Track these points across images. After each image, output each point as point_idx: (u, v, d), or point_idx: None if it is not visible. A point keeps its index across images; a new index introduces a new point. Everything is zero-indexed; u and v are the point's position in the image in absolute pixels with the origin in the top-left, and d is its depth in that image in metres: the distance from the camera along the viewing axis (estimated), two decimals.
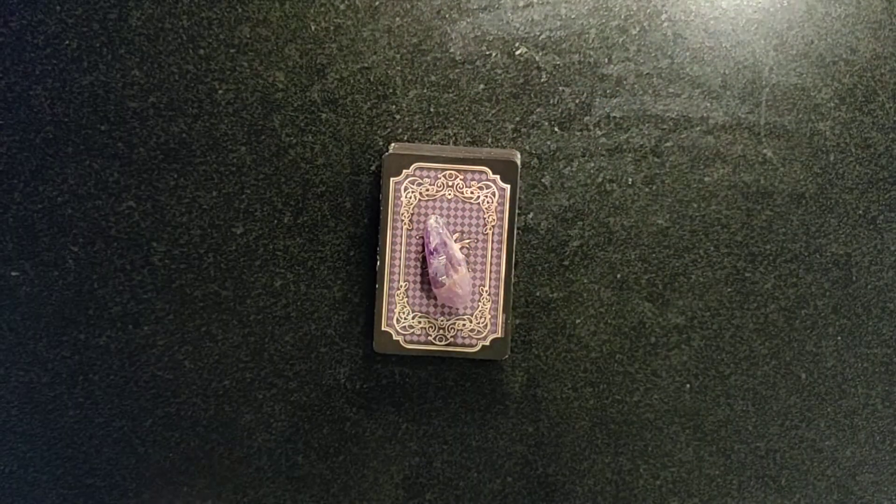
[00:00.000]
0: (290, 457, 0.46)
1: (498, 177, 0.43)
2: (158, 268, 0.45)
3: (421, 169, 0.43)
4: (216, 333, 0.45)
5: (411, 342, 0.44)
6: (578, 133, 0.45)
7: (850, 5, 0.46)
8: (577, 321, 0.46)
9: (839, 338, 0.47)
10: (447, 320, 0.44)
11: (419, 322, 0.44)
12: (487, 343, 0.44)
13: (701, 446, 0.47)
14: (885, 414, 0.47)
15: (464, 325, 0.44)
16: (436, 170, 0.43)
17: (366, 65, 0.45)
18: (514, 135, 0.45)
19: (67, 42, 0.44)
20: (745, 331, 0.47)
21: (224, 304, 0.45)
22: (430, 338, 0.44)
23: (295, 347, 0.46)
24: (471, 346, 0.44)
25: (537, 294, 0.46)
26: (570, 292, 0.46)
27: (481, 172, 0.43)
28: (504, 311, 0.43)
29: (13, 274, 0.45)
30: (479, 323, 0.44)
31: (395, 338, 0.44)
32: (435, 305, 0.43)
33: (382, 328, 0.44)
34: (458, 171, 0.43)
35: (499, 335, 0.44)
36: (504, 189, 0.43)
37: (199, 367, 0.46)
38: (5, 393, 0.46)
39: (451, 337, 0.44)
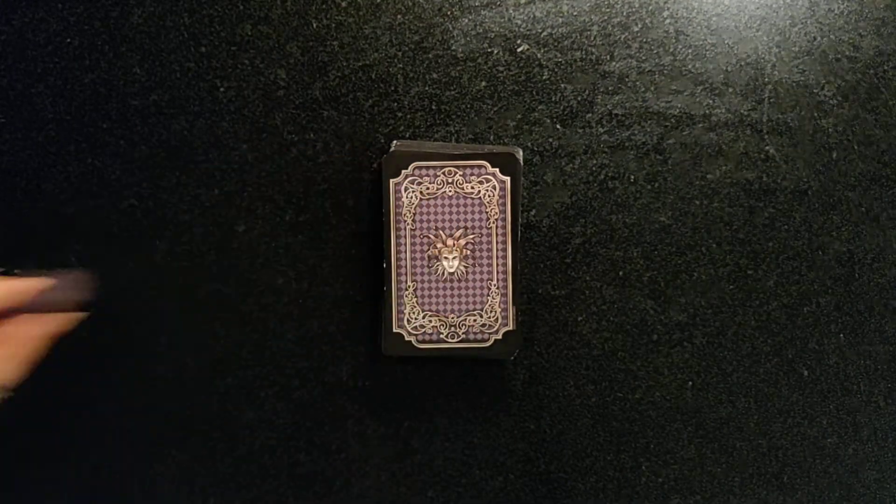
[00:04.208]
0: (293, 454, 0.46)
1: (497, 170, 0.43)
2: (160, 265, 0.45)
3: (420, 168, 0.43)
4: (218, 331, 0.46)
5: (423, 342, 0.44)
6: (580, 130, 0.45)
7: (853, 2, 0.46)
8: (579, 318, 0.46)
9: (841, 335, 0.47)
10: (458, 317, 0.44)
11: (430, 321, 0.44)
12: (500, 336, 0.44)
13: (703, 444, 0.47)
14: (887, 411, 0.47)
15: (475, 320, 0.44)
16: (435, 168, 0.43)
17: (367, 62, 0.45)
18: (516, 132, 0.45)
19: (69, 40, 0.44)
20: (748, 328, 0.47)
21: (226, 301, 0.45)
22: (441, 336, 0.44)
23: (297, 345, 0.46)
24: (483, 340, 0.44)
25: (539, 291, 0.46)
26: (572, 290, 0.46)
27: (480, 167, 0.43)
28: (514, 302, 0.43)
29: (16, 272, 0.45)
30: (489, 317, 0.44)
31: (407, 339, 0.44)
32: (445, 302, 0.43)
33: (394, 330, 0.44)
34: (457, 167, 0.43)
35: (510, 328, 0.44)
36: (504, 181, 0.43)
37: (202, 365, 0.46)
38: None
39: (464, 333, 0.44)
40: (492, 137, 0.45)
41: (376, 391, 0.46)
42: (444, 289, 0.44)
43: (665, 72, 0.45)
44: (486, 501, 0.47)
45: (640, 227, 0.46)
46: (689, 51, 0.45)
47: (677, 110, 0.45)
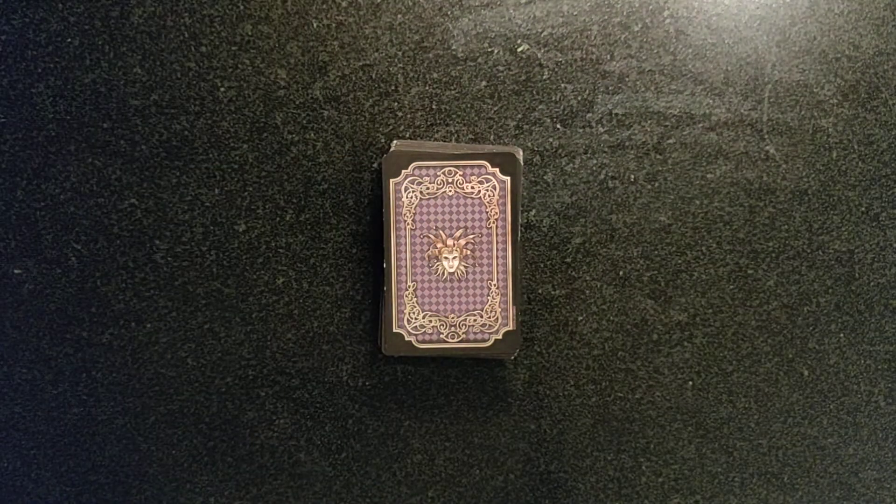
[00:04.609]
0: (293, 454, 0.46)
1: (497, 169, 0.43)
2: (161, 265, 0.45)
3: (420, 168, 0.43)
4: (219, 331, 0.46)
5: (424, 341, 0.44)
6: (581, 130, 0.45)
7: (854, 2, 0.46)
8: (580, 318, 0.46)
9: (842, 335, 0.47)
10: (458, 317, 0.44)
11: (430, 321, 0.44)
12: (500, 336, 0.44)
13: (703, 443, 0.47)
14: (887, 411, 0.47)
15: (475, 320, 0.44)
16: (435, 167, 0.43)
17: (368, 62, 0.45)
18: (517, 132, 0.45)
19: (69, 40, 0.44)
20: (748, 328, 0.47)
21: (226, 301, 0.45)
22: (441, 336, 0.44)
23: (297, 345, 0.46)
24: (483, 340, 0.44)
25: (539, 291, 0.46)
26: (572, 289, 0.46)
27: (480, 166, 0.43)
28: (514, 302, 0.43)
29: (16, 272, 0.45)
30: (490, 317, 0.44)
31: (407, 339, 0.44)
32: (445, 302, 0.43)
33: (394, 330, 0.44)
34: (457, 167, 0.43)
35: (510, 328, 0.44)
36: (504, 181, 0.43)
37: (202, 365, 0.46)
38: (9, 390, 0.46)
39: (464, 333, 0.44)
40: (492, 137, 0.45)
41: (376, 391, 0.46)
42: (444, 289, 0.44)
43: (665, 72, 0.45)
44: (486, 501, 0.47)
45: (640, 227, 0.46)
46: (689, 51, 0.45)
47: (677, 110, 0.45)
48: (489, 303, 0.44)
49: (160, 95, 0.45)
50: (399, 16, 0.45)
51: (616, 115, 0.45)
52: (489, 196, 0.43)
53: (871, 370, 0.47)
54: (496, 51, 0.45)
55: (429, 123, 0.45)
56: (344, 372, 0.46)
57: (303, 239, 0.45)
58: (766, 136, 0.46)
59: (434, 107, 0.45)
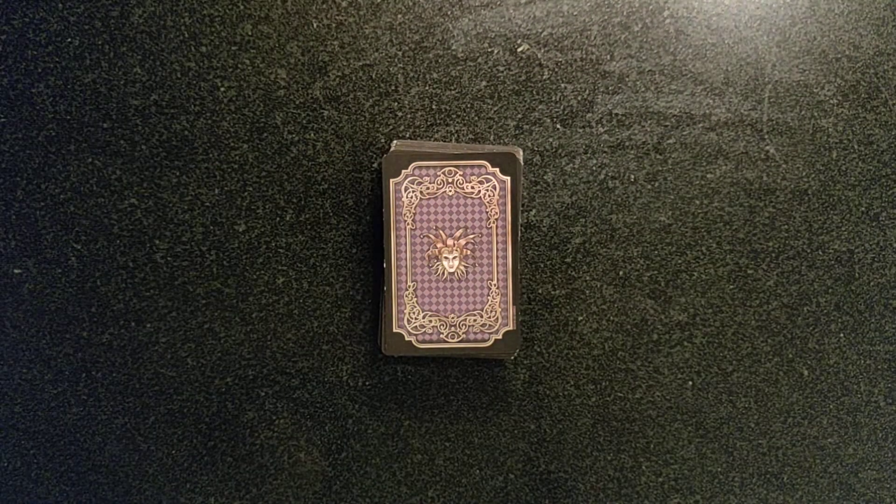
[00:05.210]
0: (293, 454, 0.46)
1: (497, 169, 0.43)
2: (161, 265, 0.45)
3: (420, 168, 0.43)
4: (218, 331, 0.46)
5: (424, 341, 0.44)
6: (581, 130, 0.45)
7: (854, 2, 0.46)
8: (580, 318, 0.46)
9: (842, 335, 0.47)
10: (458, 317, 0.44)
11: (430, 321, 0.44)
12: (500, 336, 0.44)
13: (703, 443, 0.47)
14: (887, 411, 0.47)
15: (475, 320, 0.44)
16: (435, 167, 0.43)
17: (368, 62, 0.45)
18: (517, 132, 0.45)
19: (70, 40, 0.44)
20: (748, 328, 0.47)
21: (226, 301, 0.45)
22: (441, 336, 0.44)
23: (297, 345, 0.46)
24: (483, 340, 0.44)
25: (539, 291, 0.46)
26: (572, 289, 0.46)
27: (480, 166, 0.43)
28: (514, 302, 0.43)
29: (16, 271, 0.45)
30: (490, 317, 0.44)
31: (407, 339, 0.44)
32: (445, 302, 0.43)
33: (394, 330, 0.44)
34: (457, 167, 0.43)
35: (511, 328, 0.44)
36: (504, 181, 0.43)
37: (202, 365, 0.46)
38: (8, 390, 0.46)
39: (464, 333, 0.44)
40: (492, 137, 0.45)
41: (376, 391, 0.46)
42: (444, 289, 0.44)
43: (665, 72, 0.45)
44: (486, 501, 0.47)
45: (640, 227, 0.46)
46: (689, 51, 0.45)
47: (677, 110, 0.45)
48: (489, 303, 0.44)
49: (160, 95, 0.45)
50: (399, 16, 0.45)
51: (616, 115, 0.45)
52: (489, 196, 0.43)
53: (871, 370, 0.47)
54: (496, 51, 0.45)
55: (429, 123, 0.45)
56: (344, 372, 0.46)
57: (303, 239, 0.45)
58: (766, 136, 0.46)
59: (434, 107, 0.45)
